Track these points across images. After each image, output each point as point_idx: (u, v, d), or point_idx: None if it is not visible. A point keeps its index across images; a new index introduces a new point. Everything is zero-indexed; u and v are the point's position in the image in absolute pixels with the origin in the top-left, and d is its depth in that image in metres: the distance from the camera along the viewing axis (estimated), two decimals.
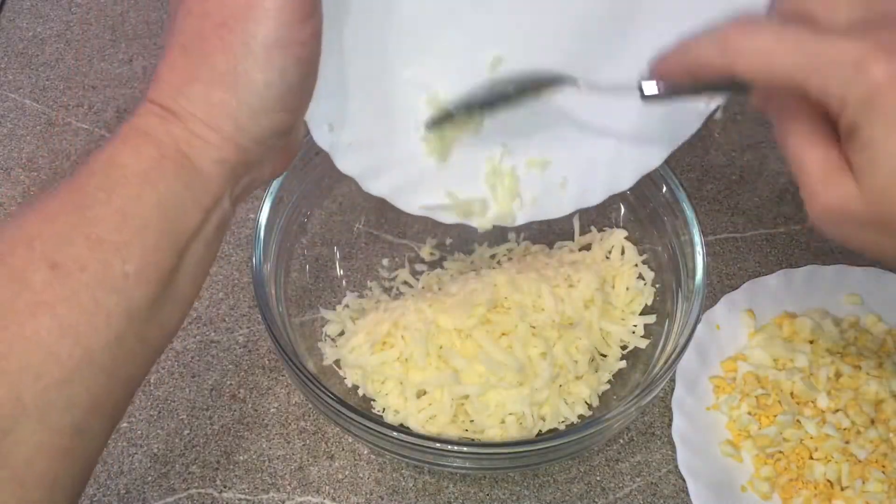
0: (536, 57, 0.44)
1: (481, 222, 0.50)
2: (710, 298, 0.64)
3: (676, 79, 0.37)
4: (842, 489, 0.53)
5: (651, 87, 0.38)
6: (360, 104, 0.45)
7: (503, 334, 0.54)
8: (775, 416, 0.56)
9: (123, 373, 0.34)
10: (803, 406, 0.56)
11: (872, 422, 0.55)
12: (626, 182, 0.49)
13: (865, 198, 0.33)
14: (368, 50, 0.43)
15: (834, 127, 0.34)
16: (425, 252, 0.63)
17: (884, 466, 0.53)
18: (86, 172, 0.34)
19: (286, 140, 0.39)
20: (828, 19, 0.34)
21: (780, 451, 0.55)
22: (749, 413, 0.56)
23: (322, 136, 0.44)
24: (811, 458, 0.54)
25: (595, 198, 0.49)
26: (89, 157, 0.35)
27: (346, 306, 0.61)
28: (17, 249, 0.32)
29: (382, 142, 0.46)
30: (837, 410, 0.55)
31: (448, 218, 0.49)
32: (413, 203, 0.48)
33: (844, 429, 0.55)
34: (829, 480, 0.53)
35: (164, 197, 0.34)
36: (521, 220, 0.50)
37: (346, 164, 0.46)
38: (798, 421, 0.55)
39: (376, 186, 0.47)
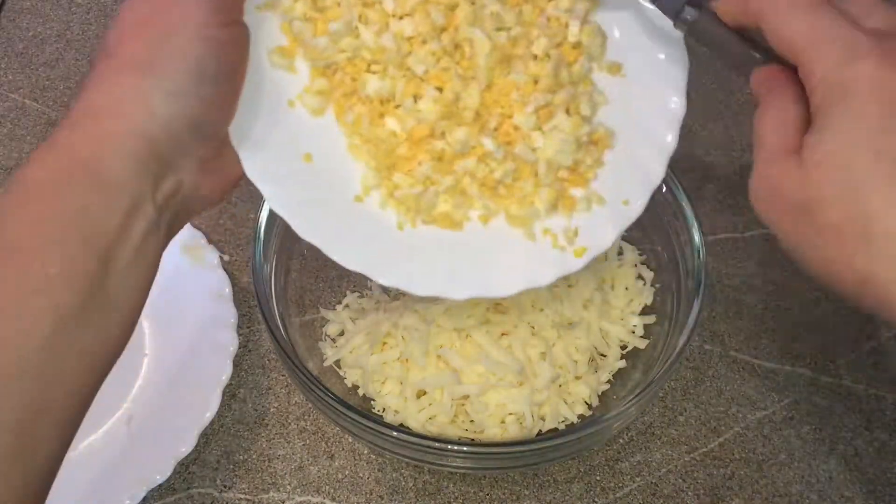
0: None
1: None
2: (710, 298, 0.64)
3: (730, 16, 0.37)
4: (395, 107, 0.44)
5: (690, 14, 0.38)
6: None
7: (503, 334, 0.55)
8: (331, 21, 0.44)
9: (61, 379, 0.34)
10: (368, 8, 0.44)
11: (441, 31, 0.44)
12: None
13: (800, 181, 0.33)
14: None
15: (809, 119, 0.34)
16: None
17: (442, 83, 0.44)
18: (1, 195, 0.35)
19: (206, 149, 0.39)
20: (858, 19, 0.34)
21: (336, 63, 0.44)
22: (305, 18, 0.44)
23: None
24: (368, 71, 0.44)
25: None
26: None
27: (346, 306, 0.61)
28: None
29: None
30: (404, 16, 0.44)
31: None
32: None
33: (408, 38, 0.44)
34: (383, 97, 0.44)
35: (76, 203, 0.35)
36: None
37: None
38: (357, 28, 0.44)
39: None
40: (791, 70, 0.35)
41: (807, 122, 0.34)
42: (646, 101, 0.45)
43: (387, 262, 0.43)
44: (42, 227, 0.34)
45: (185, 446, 0.55)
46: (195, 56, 0.36)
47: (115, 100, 0.36)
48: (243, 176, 0.42)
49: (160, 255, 0.38)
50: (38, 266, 0.33)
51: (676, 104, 0.45)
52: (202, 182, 0.40)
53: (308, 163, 0.43)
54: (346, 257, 0.43)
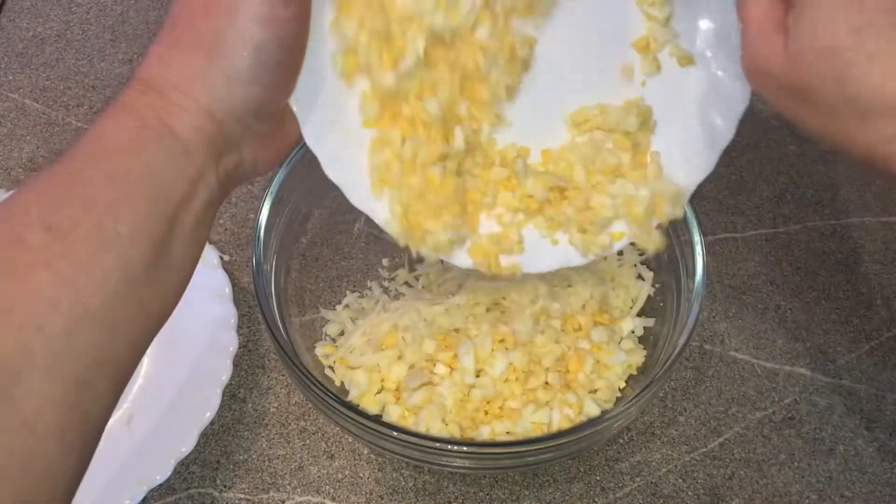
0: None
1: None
2: (710, 298, 0.64)
3: None
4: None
5: None
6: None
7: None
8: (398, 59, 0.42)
9: (123, 333, 0.35)
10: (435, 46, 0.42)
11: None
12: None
13: (787, 61, 0.34)
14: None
15: None
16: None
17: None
18: (76, 148, 0.36)
19: (268, 126, 0.40)
20: None
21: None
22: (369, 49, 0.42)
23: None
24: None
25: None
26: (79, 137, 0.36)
27: (346, 306, 0.61)
28: (15, 216, 0.34)
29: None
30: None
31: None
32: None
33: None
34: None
35: (149, 163, 0.36)
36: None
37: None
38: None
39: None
40: None
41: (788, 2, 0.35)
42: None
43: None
44: (116, 182, 0.35)
45: (185, 446, 0.55)
46: (256, 41, 0.36)
47: (182, 78, 0.37)
48: (300, 140, 0.43)
49: (210, 227, 0.40)
50: (110, 222, 0.34)
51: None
52: (260, 155, 0.41)
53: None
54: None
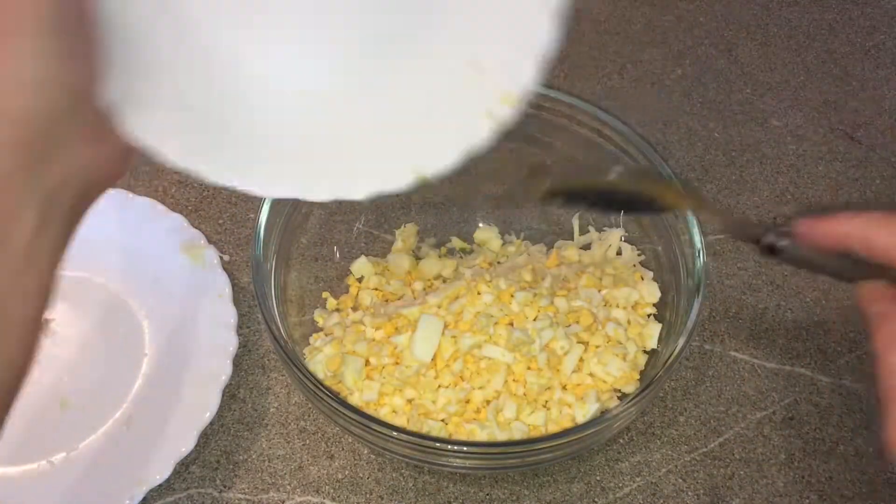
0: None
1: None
2: (710, 298, 0.64)
3: (819, 244, 0.38)
4: None
5: (781, 242, 0.39)
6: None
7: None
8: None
9: None
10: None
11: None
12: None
13: None
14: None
15: None
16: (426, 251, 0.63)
17: None
18: None
19: (86, 115, 0.32)
20: None
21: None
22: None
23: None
24: None
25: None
26: None
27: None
28: None
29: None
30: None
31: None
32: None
33: None
34: None
35: None
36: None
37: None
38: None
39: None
40: None
41: None
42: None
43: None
44: None
45: (185, 446, 0.55)
46: (33, 5, 0.29)
47: None
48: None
49: (61, 255, 0.33)
50: None
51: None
52: (95, 156, 0.33)
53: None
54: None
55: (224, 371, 0.58)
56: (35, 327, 0.32)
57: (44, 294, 0.32)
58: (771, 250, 0.39)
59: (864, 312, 0.37)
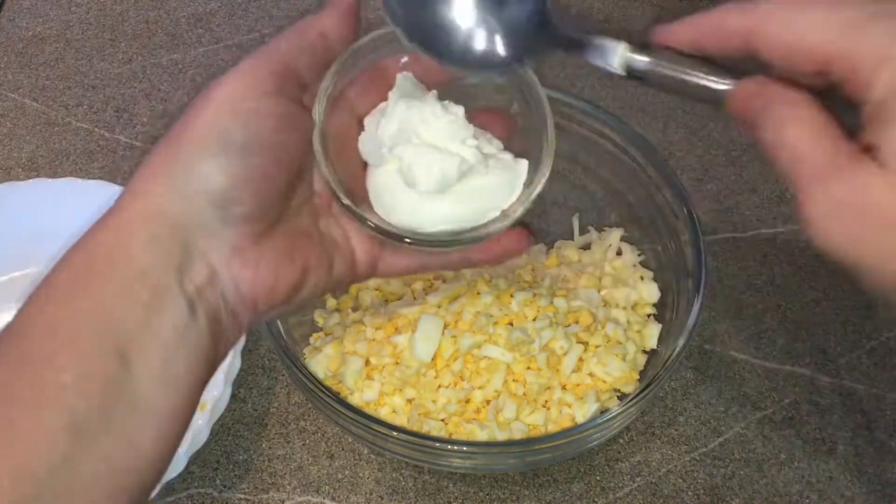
0: None
1: None
2: (710, 298, 0.64)
3: (679, 46, 0.33)
4: None
5: (638, 61, 0.34)
6: None
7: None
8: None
9: (80, 498, 0.30)
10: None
11: None
12: None
13: (890, 185, 0.28)
14: None
15: (839, 122, 0.30)
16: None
17: None
18: (26, 300, 0.33)
19: (238, 233, 0.35)
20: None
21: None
22: None
23: None
24: None
25: None
26: None
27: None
28: None
29: None
30: None
31: None
32: None
33: None
34: None
35: (92, 298, 0.32)
36: None
37: None
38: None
39: None
40: (782, 79, 0.31)
41: (839, 126, 0.30)
42: None
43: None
44: (56, 331, 0.31)
45: (200, 440, 0.54)
46: (220, 128, 0.34)
47: (142, 180, 0.34)
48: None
49: (204, 357, 0.34)
50: (50, 375, 0.30)
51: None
52: (240, 276, 0.35)
53: None
54: None
55: (234, 364, 0.57)
56: (174, 429, 0.33)
57: (184, 396, 0.33)
58: (635, 74, 0.34)
59: (744, 111, 0.32)
